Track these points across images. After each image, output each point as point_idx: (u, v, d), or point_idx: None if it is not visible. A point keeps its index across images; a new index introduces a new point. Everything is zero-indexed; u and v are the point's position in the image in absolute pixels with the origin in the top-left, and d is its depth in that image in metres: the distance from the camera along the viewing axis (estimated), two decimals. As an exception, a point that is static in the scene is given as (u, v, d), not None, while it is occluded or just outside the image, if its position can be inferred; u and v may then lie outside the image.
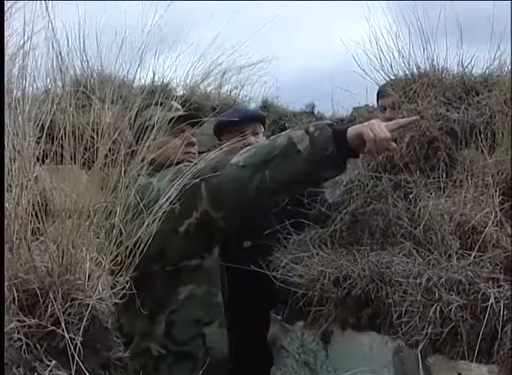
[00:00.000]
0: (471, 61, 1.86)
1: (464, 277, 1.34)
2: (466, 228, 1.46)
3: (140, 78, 3.54)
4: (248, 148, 1.66)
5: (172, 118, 1.72)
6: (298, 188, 1.71)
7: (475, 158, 1.61)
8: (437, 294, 1.33)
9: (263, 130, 2.25)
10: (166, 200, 1.29)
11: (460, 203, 1.51)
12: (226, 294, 1.89)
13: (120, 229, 1.23)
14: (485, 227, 1.45)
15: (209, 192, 1.57)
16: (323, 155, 1.54)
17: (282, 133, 1.66)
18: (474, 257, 1.40)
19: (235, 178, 1.57)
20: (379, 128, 1.54)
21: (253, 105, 4.33)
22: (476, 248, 1.41)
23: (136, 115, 1.66)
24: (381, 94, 2.58)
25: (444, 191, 1.59)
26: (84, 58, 3.22)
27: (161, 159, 1.66)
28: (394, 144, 1.59)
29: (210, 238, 1.73)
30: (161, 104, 1.76)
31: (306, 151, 1.55)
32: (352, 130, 1.57)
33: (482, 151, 1.62)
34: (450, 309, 1.29)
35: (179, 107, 1.97)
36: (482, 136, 1.64)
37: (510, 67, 1.84)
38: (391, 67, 1.95)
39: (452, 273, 1.35)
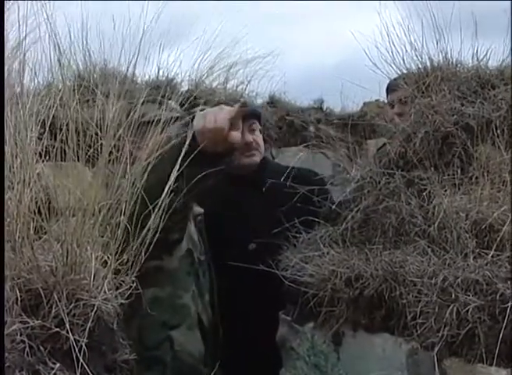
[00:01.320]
0: (486, 54, 1.81)
1: (482, 277, 1.29)
2: (483, 226, 1.41)
3: (144, 73, 3.50)
4: None
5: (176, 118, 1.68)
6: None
7: (491, 154, 1.56)
8: (453, 295, 1.28)
9: (260, 126, 2.21)
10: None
11: (476, 200, 1.47)
12: (215, 295, 1.86)
13: (126, 227, 1.19)
14: (502, 225, 1.40)
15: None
16: (177, 156, 1.39)
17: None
18: (492, 256, 1.35)
19: (147, 185, 1.38)
20: (211, 117, 1.43)
21: (259, 101, 4.29)
22: (494, 247, 1.36)
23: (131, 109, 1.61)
24: (390, 89, 2.54)
25: (459, 188, 1.54)
26: (87, 52, 3.19)
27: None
28: (236, 135, 1.48)
29: (165, 239, 1.64)
30: (158, 102, 1.73)
31: (175, 146, 1.42)
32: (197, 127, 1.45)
33: (499, 146, 1.57)
34: (467, 310, 1.25)
35: (176, 107, 1.93)
36: (499, 131, 1.59)
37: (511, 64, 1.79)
38: (403, 60, 1.91)
39: (469, 273, 1.31)
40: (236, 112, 1.50)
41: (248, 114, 2.22)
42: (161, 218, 1.20)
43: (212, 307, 1.84)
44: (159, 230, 1.19)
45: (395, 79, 2.28)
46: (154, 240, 1.19)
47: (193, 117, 1.49)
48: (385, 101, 2.74)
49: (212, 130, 1.43)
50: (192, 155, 1.38)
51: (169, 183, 1.28)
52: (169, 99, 1.88)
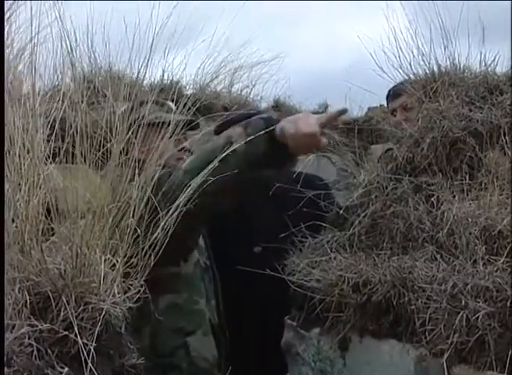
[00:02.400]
0: (494, 59, 1.80)
1: (492, 284, 1.28)
2: (492, 233, 1.40)
3: (149, 76, 3.49)
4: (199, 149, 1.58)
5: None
6: (237, 190, 1.59)
7: (500, 160, 1.55)
8: (463, 301, 1.27)
9: None
10: (183, 201, 1.24)
11: (485, 207, 1.46)
12: (221, 301, 1.85)
13: (135, 229, 1.18)
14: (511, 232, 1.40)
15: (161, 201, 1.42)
16: (255, 156, 1.46)
17: (226, 131, 1.59)
18: (502, 263, 1.34)
19: (179, 184, 1.42)
20: (304, 122, 1.45)
21: (264, 105, 4.28)
22: (504, 253, 1.36)
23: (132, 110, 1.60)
24: (391, 96, 2.52)
25: (468, 194, 1.54)
26: (92, 54, 3.19)
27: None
28: (324, 140, 1.50)
29: (182, 245, 1.64)
30: (157, 103, 1.72)
31: (240, 151, 1.45)
32: (277, 127, 1.48)
33: (507, 152, 1.56)
34: (477, 317, 1.24)
35: (174, 108, 1.92)
36: (507, 137, 1.58)
37: None
38: (410, 65, 1.90)
39: (478, 280, 1.30)
40: (327, 119, 1.53)
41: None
42: (176, 220, 1.19)
43: (218, 312, 1.83)
44: (177, 235, 1.19)
45: (395, 86, 2.28)
46: (171, 245, 1.19)
47: (266, 120, 1.50)
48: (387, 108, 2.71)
49: (308, 134, 1.45)
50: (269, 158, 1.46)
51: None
52: (166, 100, 1.88)
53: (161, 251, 1.18)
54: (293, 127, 1.44)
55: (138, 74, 1.46)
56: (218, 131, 2.24)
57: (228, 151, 1.40)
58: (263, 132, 1.44)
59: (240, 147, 1.43)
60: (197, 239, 1.71)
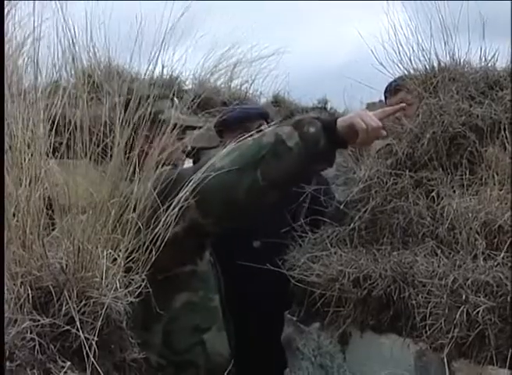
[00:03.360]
0: (494, 55, 1.80)
1: (492, 279, 1.28)
2: (492, 227, 1.40)
3: (148, 71, 3.47)
4: (229, 148, 1.56)
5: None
6: (290, 186, 1.68)
7: (500, 155, 1.56)
8: (464, 296, 1.28)
9: (267, 127, 2.20)
10: (184, 195, 1.24)
11: (485, 201, 1.46)
12: (223, 295, 1.85)
13: (137, 224, 1.18)
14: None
15: (196, 201, 1.43)
16: (315, 150, 1.54)
17: (266, 131, 1.62)
18: (502, 257, 1.34)
19: (222, 184, 1.47)
20: (369, 117, 1.55)
21: (263, 100, 4.27)
22: (504, 248, 1.36)
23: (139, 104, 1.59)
24: (389, 92, 2.51)
25: (468, 189, 1.54)
26: (92, 49, 3.17)
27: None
28: (384, 132, 1.61)
29: (200, 243, 1.69)
30: (163, 98, 1.72)
31: (297, 147, 1.52)
32: (343, 122, 1.57)
33: (507, 147, 1.56)
34: (477, 312, 1.24)
35: (177, 102, 1.92)
36: (507, 132, 1.58)
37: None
38: (410, 61, 1.90)
39: (479, 274, 1.30)
40: (384, 114, 1.64)
41: (256, 114, 2.22)
42: (177, 215, 1.19)
43: (222, 307, 1.83)
44: (194, 234, 1.20)
45: (394, 81, 2.27)
46: (189, 244, 1.21)
47: (323, 121, 1.58)
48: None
49: (377, 128, 1.56)
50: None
51: None
52: (175, 96, 1.87)
53: (162, 246, 1.18)
54: (362, 122, 1.53)
55: (132, 69, 1.45)
56: (218, 129, 2.24)
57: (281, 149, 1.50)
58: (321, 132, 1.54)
59: (293, 144, 1.51)
60: (212, 237, 1.71)
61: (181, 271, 1.62)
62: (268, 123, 2.22)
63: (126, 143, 1.24)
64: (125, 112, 1.46)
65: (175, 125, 1.39)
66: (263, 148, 1.53)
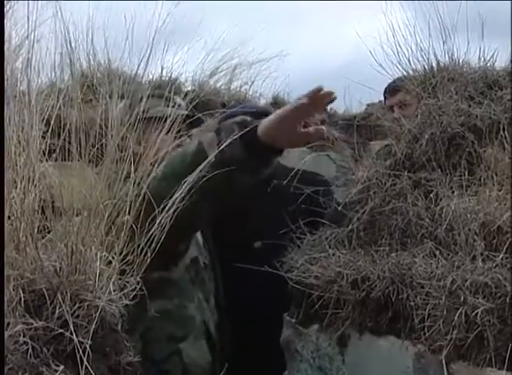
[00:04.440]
0: (493, 55, 1.79)
1: (491, 280, 1.27)
2: (491, 228, 1.39)
3: (147, 73, 3.48)
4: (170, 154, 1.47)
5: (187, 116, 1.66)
6: (218, 198, 1.49)
7: (499, 156, 1.54)
8: (462, 298, 1.26)
9: None
10: (179, 197, 1.23)
11: (484, 202, 1.45)
12: (221, 296, 1.83)
13: (131, 226, 1.17)
14: (511, 228, 1.39)
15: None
16: (232, 161, 1.35)
17: (195, 136, 1.55)
18: (501, 259, 1.33)
19: (156, 193, 1.31)
20: (285, 115, 1.38)
21: (263, 101, 4.27)
22: (503, 249, 1.35)
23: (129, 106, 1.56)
24: (389, 93, 2.51)
25: (467, 190, 1.53)
26: (91, 51, 3.17)
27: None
28: (320, 129, 1.42)
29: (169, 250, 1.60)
30: (164, 98, 1.70)
31: (215, 157, 1.34)
32: (260, 127, 1.38)
33: (506, 148, 1.55)
34: (476, 313, 1.23)
35: (182, 103, 1.90)
36: (506, 132, 1.57)
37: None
38: (409, 61, 1.89)
39: (477, 276, 1.29)
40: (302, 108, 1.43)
41: (257, 114, 2.21)
42: (170, 220, 1.17)
43: (218, 308, 1.82)
44: (167, 239, 1.15)
45: (393, 82, 2.27)
46: (161, 250, 1.16)
47: (240, 124, 1.42)
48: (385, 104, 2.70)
49: (290, 126, 1.41)
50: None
51: None
52: (175, 94, 1.86)
53: (157, 248, 1.16)
54: (274, 123, 1.37)
55: (137, 71, 1.44)
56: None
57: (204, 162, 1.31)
58: (236, 136, 1.35)
59: (212, 153, 1.34)
60: (189, 244, 1.67)
61: (153, 277, 1.45)
62: None
63: (119, 144, 1.23)
64: (131, 114, 1.45)
65: (171, 125, 1.38)
66: (187, 155, 1.41)
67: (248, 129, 1.38)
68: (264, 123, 1.39)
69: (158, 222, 1.17)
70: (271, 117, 1.39)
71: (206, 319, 1.73)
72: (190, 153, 1.42)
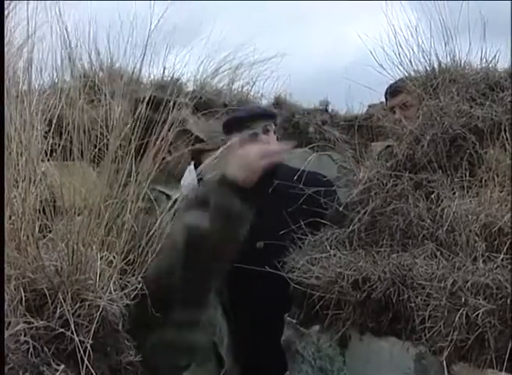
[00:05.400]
0: (495, 56, 1.79)
1: (492, 281, 1.27)
2: (492, 229, 1.39)
3: (149, 73, 3.48)
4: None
5: None
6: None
7: (501, 157, 1.54)
8: (463, 299, 1.26)
9: (274, 127, 2.21)
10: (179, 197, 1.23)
11: (485, 203, 1.45)
12: (226, 297, 1.82)
13: (132, 226, 1.17)
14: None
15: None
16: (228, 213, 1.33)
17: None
18: (502, 260, 1.33)
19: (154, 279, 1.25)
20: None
21: (265, 102, 4.27)
22: (504, 250, 1.34)
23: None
24: (390, 94, 2.51)
25: (468, 191, 1.53)
26: (94, 52, 3.18)
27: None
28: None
29: None
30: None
31: (212, 227, 1.30)
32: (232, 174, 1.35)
33: (508, 149, 1.55)
34: (477, 315, 1.23)
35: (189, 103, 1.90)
36: (508, 134, 1.57)
37: None
38: (410, 62, 1.89)
39: (478, 277, 1.29)
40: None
41: (263, 115, 2.22)
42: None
43: (225, 313, 1.80)
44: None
45: (395, 83, 2.26)
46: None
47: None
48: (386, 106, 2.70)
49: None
50: None
51: None
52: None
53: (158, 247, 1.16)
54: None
55: (134, 71, 1.44)
56: (225, 128, 2.23)
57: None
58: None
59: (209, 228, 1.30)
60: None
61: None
62: (275, 123, 2.22)
63: (120, 145, 1.23)
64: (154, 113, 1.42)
65: (171, 126, 1.38)
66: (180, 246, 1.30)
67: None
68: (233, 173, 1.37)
69: (158, 222, 1.17)
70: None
71: (215, 339, 1.68)
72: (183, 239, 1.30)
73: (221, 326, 1.71)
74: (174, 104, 1.49)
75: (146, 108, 1.43)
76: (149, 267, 1.22)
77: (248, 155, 1.37)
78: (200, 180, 1.71)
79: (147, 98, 1.46)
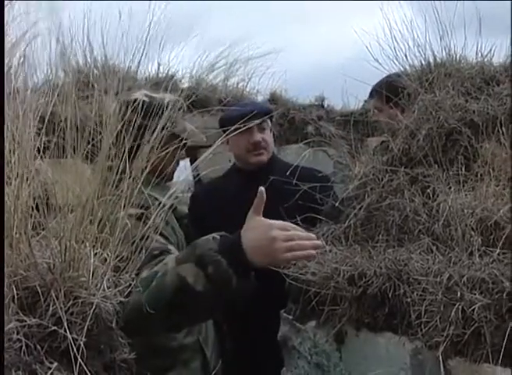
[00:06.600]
0: (490, 50, 1.78)
1: (488, 275, 1.27)
2: (488, 224, 1.39)
3: (144, 70, 3.47)
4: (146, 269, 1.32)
5: None
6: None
7: (496, 151, 1.54)
8: (459, 293, 1.26)
9: (270, 124, 2.20)
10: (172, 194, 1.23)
11: (481, 198, 1.45)
12: None
13: (126, 223, 1.16)
14: (508, 223, 1.38)
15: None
16: (228, 290, 1.29)
17: (166, 266, 1.31)
18: (498, 254, 1.33)
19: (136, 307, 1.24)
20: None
21: (260, 98, 4.26)
22: (500, 244, 1.34)
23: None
24: (369, 95, 2.49)
25: (464, 185, 1.52)
26: (88, 48, 3.16)
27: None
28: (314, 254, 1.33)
29: None
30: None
31: (206, 290, 1.27)
32: (246, 250, 1.29)
33: (504, 143, 1.55)
34: (473, 309, 1.23)
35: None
36: (504, 128, 1.56)
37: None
38: (406, 57, 1.89)
39: (474, 271, 1.29)
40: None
41: (259, 111, 2.21)
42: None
43: None
44: None
45: (376, 84, 2.26)
46: None
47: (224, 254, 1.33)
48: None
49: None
50: None
51: None
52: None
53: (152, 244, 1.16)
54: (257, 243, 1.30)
55: (128, 67, 1.43)
56: (222, 125, 2.22)
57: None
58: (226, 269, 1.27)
59: (202, 287, 1.26)
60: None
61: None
62: (271, 120, 2.21)
63: (113, 142, 1.22)
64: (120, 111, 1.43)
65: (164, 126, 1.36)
66: (167, 290, 1.28)
67: (236, 255, 1.29)
68: (249, 243, 1.30)
69: (152, 218, 1.16)
70: (253, 236, 1.31)
71: (201, 338, 1.65)
72: (171, 289, 1.28)
73: (207, 324, 1.69)
74: (165, 107, 1.45)
75: (135, 115, 1.41)
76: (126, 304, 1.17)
77: (274, 245, 1.28)
78: (195, 176, 1.70)
79: (136, 103, 1.43)
